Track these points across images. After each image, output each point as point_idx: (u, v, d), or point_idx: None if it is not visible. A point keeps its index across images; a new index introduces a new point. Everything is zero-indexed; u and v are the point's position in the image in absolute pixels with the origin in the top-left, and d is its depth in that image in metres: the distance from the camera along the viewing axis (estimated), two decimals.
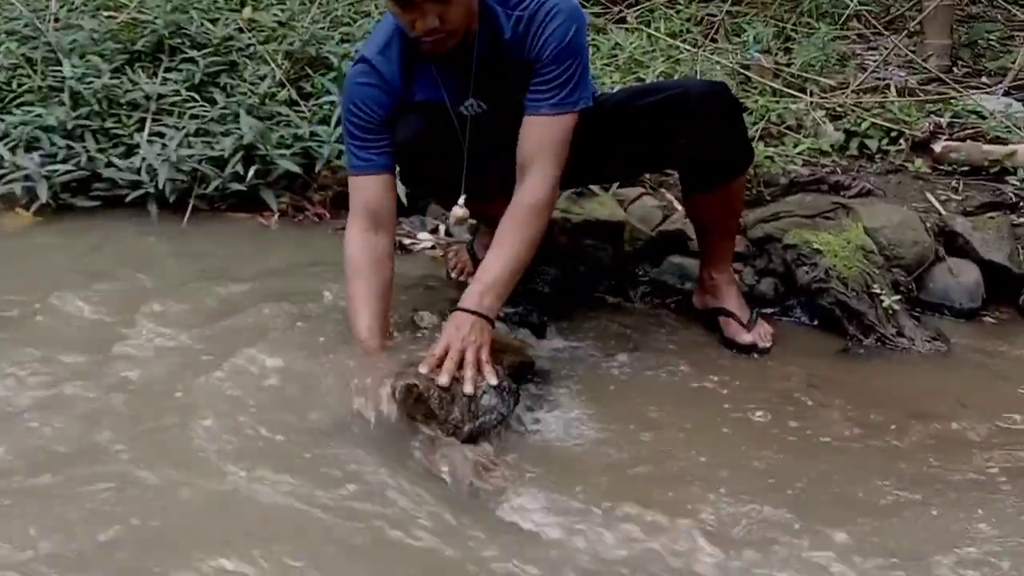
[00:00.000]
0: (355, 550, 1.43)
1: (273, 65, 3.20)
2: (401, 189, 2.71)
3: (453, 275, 2.38)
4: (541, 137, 1.89)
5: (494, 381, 1.75)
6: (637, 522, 1.53)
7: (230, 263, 2.48)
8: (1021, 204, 2.74)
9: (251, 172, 2.81)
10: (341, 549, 1.43)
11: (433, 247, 2.58)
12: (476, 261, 2.40)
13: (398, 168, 2.05)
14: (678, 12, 3.91)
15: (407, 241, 2.58)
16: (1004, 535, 1.59)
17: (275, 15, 3.54)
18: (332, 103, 3.04)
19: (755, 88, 3.33)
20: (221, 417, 1.74)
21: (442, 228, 2.71)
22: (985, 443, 1.91)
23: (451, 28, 1.86)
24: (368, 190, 1.97)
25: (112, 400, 1.83)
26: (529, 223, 1.90)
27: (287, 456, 1.66)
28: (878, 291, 2.36)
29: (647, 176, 2.94)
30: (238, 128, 2.90)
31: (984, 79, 3.70)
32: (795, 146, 2.99)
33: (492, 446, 1.69)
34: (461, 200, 2.03)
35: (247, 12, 3.57)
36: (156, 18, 3.31)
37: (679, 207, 2.78)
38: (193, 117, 3.01)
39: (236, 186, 2.82)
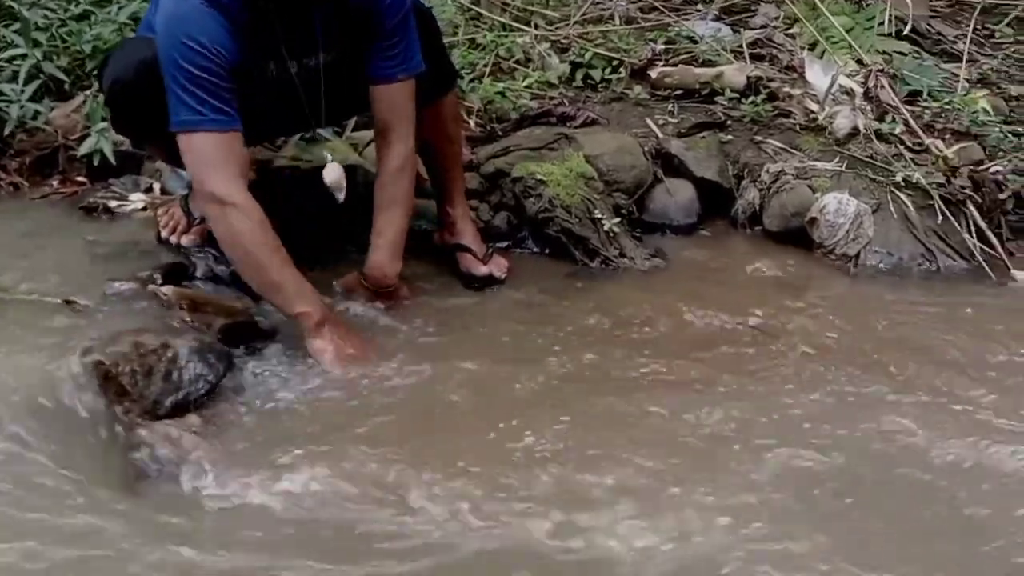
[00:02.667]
0: None
1: None
2: (108, 146, 2.51)
3: (164, 234, 2.22)
4: (394, 103, 2.04)
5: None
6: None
7: None
8: (728, 123, 2.92)
9: None
10: None
11: (144, 208, 2.39)
12: (191, 218, 2.25)
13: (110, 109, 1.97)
14: None
15: (113, 204, 2.37)
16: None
17: None
18: (21, 57, 2.72)
19: (484, 23, 3.33)
20: None
21: (156, 187, 2.51)
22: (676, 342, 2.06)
23: None
24: (235, 149, 1.84)
25: None
26: (404, 180, 2.10)
27: None
28: (599, 216, 2.46)
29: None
30: None
31: (699, 6, 3.91)
32: (524, 80, 3.03)
33: (199, 417, 1.59)
34: (329, 157, 2.11)
35: None
36: None
37: None
38: None
39: None
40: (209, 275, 2.06)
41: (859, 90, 2.90)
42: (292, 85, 2.02)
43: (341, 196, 2.23)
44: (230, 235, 1.85)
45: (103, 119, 2.51)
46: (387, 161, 2.08)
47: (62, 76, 2.72)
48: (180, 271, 2.05)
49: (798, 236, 2.60)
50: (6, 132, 2.59)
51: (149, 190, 2.49)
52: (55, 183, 2.58)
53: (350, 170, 2.65)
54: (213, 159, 1.82)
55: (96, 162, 2.49)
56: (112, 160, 2.50)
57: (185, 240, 2.18)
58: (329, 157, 2.08)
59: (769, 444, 1.67)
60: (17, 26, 2.80)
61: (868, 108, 2.86)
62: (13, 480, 1.47)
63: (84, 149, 2.50)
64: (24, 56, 2.73)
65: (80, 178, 2.55)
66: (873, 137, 2.76)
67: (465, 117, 2.85)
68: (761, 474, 1.59)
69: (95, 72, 2.50)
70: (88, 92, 2.68)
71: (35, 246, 2.19)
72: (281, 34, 1.94)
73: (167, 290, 1.82)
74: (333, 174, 2.16)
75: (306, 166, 2.60)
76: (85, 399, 1.58)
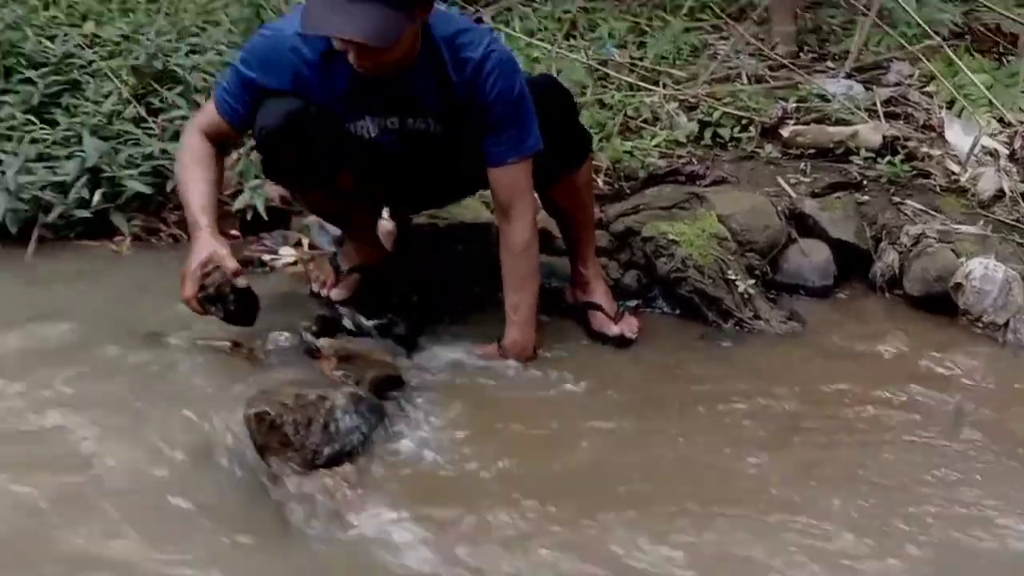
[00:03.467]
0: None
1: (118, 82, 3.06)
2: (261, 202, 2.66)
3: (315, 288, 2.33)
4: (512, 184, 2.09)
5: None
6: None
7: (76, 296, 2.35)
8: (865, 183, 2.88)
9: (97, 196, 2.68)
10: None
11: (295, 263, 2.52)
12: (339, 273, 2.36)
13: (261, 156, 2.14)
14: (535, 10, 3.94)
15: (267, 257, 2.51)
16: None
17: (119, 28, 3.39)
18: (183, 118, 2.93)
19: (612, 83, 3.39)
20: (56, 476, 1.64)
21: (305, 242, 2.65)
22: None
23: (385, 65, 1.89)
24: (223, 126, 2.07)
25: None
26: (529, 257, 2.18)
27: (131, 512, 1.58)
28: (733, 276, 2.45)
29: None
30: (82, 151, 2.76)
31: (829, 63, 3.88)
32: (652, 139, 3.06)
33: (354, 467, 1.66)
34: (386, 213, 2.16)
35: (88, 27, 3.40)
36: None
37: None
38: (33, 141, 2.84)
39: (82, 212, 2.69)
40: (356, 328, 2.14)
41: (1004, 151, 2.81)
42: (382, 142, 2.08)
43: (388, 247, 2.29)
44: (176, 155, 2.16)
45: (256, 176, 2.67)
46: (512, 237, 2.14)
47: None
48: (331, 324, 2.14)
49: (941, 302, 2.52)
50: (169, 188, 2.77)
51: (298, 244, 2.63)
52: None
53: (482, 228, 2.75)
54: (203, 116, 2.14)
55: (249, 217, 2.64)
56: (264, 215, 2.65)
57: (334, 294, 2.28)
58: (386, 215, 2.18)
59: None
60: (180, 89, 3.02)
61: (1013, 170, 2.77)
62: (176, 522, 1.56)
63: (238, 204, 2.66)
64: (184, 117, 2.93)
65: (234, 232, 2.69)
66: (1020, 200, 2.67)
67: (593, 175, 2.89)
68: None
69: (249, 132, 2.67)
70: (242, 150, 2.85)
71: None
72: (374, 88, 1.98)
73: (324, 342, 1.91)
74: (383, 229, 2.19)
75: (443, 224, 2.70)
76: (247, 448, 1.66)
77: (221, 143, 2.11)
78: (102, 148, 2.75)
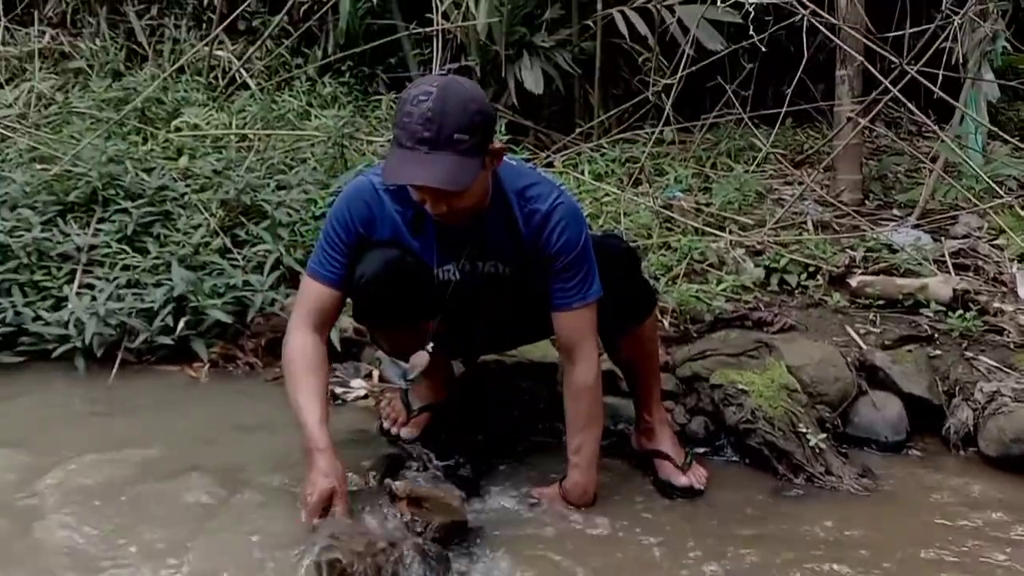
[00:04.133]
0: None
1: (207, 214, 3.23)
2: (335, 335, 2.75)
3: (386, 425, 2.37)
4: (576, 327, 2.13)
5: None
6: None
7: (154, 423, 2.42)
8: (936, 336, 2.85)
9: (181, 324, 2.80)
10: None
11: (365, 396, 2.57)
12: (410, 411, 2.40)
13: (355, 300, 2.15)
14: (603, 155, 4.08)
15: (339, 390, 2.57)
16: None
17: (211, 163, 3.60)
18: (267, 250, 3.07)
19: (678, 227, 3.46)
20: None
21: (375, 374, 2.70)
22: None
23: (460, 212, 1.98)
24: (325, 297, 2.09)
25: None
26: (593, 399, 2.19)
27: None
28: (804, 430, 2.41)
29: None
30: (170, 279, 2.90)
31: (895, 211, 3.91)
32: (718, 283, 3.10)
33: None
34: (430, 347, 2.18)
35: (183, 162, 3.63)
36: (90, 170, 3.34)
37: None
38: (125, 268, 3.00)
39: (165, 339, 2.80)
40: (424, 469, 2.16)
41: None
42: (455, 285, 2.14)
43: (412, 374, 2.24)
44: (284, 353, 2.10)
45: None
46: (575, 379, 2.16)
47: (298, 268, 3.03)
48: (398, 463, 2.16)
49: (1019, 463, 2.44)
50: (249, 318, 2.88)
51: (368, 377, 2.68)
52: None
53: (548, 367, 2.78)
54: (303, 298, 2.13)
55: None
56: (338, 347, 2.72)
57: (404, 432, 2.32)
58: (431, 348, 2.18)
59: None
60: (266, 223, 3.17)
61: None
62: None
63: None
64: (268, 250, 3.07)
65: None
66: None
67: (659, 317, 2.93)
68: None
69: None
70: None
71: (268, 429, 2.38)
72: (455, 235, 2.07)
73: (399, 485, 1.92)
74: (418, 359, 2.20)
75: (511, 362, 2.74)
76: None
77: (328, 325, 2.14)
78: (188, 278, 2.89)
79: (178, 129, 4.02)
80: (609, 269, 2.16)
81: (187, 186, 3.42)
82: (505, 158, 2.04)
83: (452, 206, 1.95)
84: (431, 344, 2.19)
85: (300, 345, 2.06)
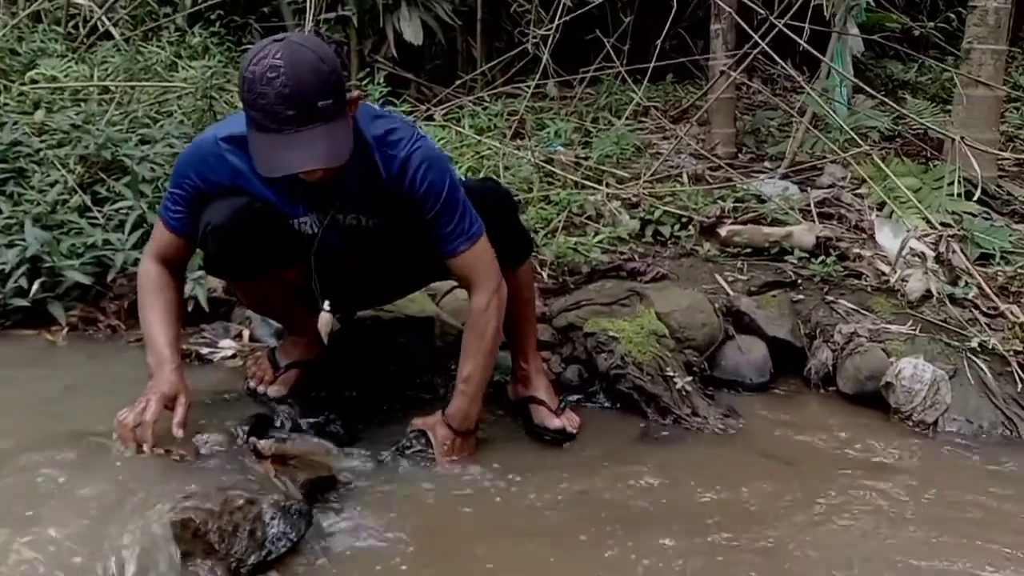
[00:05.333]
0: None
1: (64, 171, 3.06)
2: (203, 293, 2.66)
3: (252, 384, 2.30)
4: (468, 265, 2.12)
5: None
6: None
7: (6, 388, 2.29)
8: (799, 282, 2.96)
9: (36, 286, 2.65)
10: None
11: (233, 356, 2.49)
12: (277, 369, 2.34)
13: (205, 251, 2.10)
14: (484, 109, 4.05)
15: (205, 351, 2.49)
16: None
17: (70, 117, 3.41)
18: (129, 207, 2.93)
19: (558, 181, 3.48)
20: None
21: (246, 334, 2.63)
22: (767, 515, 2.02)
23: (336, 172, 1.93)
24: (172, 242, 2.09)
25: None
26: (486, 327, 2.15)
27: None
28: (671, 373, 2.48)
29: None
30: (23, 240, 2.74)
31: (766, 164, 4.03)
32: (595, 235, 3.13)
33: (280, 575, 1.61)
34: (326, 305, 2.14)
35: (39, 116, 3.42)
36: None
37: None
38: None
39: (19, 301, 2.65)
40: (292, 427, 2.12)
41: (930, 253, 2.92)
42: (325, 238, 2.10)
43: (324, 340, 2.23)
44: (138, 288, 2.13)
45: (199, 267, 2.66)
46: (473, 306, 2.16)
47: None
48: (265, 422, 2.11)
49: (873, 399, 2.57)
50: (109, 278, 2.75)
51: (239, 336, 2.61)
52: None
53: (427, 322, 2.76)
54: (154, 238, 2.13)
55: (190, 308, 2.62)
56: (206, 307, 2.64)
57: (272, 391, 2.26)
58: (327, 307, 2.17)
59: None
60: (127, 179, 3.03)
61: (940, 271, 2.87)
62: None
63: None
64: (131, 207, 2.93)
65: None
66: (947, 301, 2.77)
67: (538, 269, 2.95)
68: None
69: None
70: None
71: (129, 391, 2.28)
72: (309, 186, 2.01)
73: (264, 444, 1.88)
74: (322, 321, 2.19)
75: (387, 317, 2.71)
76: (170, 554, 1.60)
77: (178, 264, 2.12)
78: (43, 237, 2.73)
79: (34, 81, 3.78)
80: (486, 213, 2.15)
81: (43, 142, 3.23)
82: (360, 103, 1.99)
83: (330, 171, 1.90)
84: (327, 303, 2.15)
85: (146, 271, 2.08)
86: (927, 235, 3.05)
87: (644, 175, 3.54)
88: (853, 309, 2.81)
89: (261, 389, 2.27)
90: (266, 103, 1.77)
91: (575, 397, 2.55)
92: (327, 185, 1.99)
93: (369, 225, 2.10)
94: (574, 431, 2.37)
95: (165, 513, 1.58)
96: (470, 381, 2.17)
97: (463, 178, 2.77)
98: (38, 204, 2.91)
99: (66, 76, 3.85)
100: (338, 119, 1.83)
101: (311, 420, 2.17)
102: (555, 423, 2.36)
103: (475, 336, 2.16)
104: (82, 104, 3.60)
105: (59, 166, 3.08)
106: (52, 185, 3.01)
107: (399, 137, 2.02)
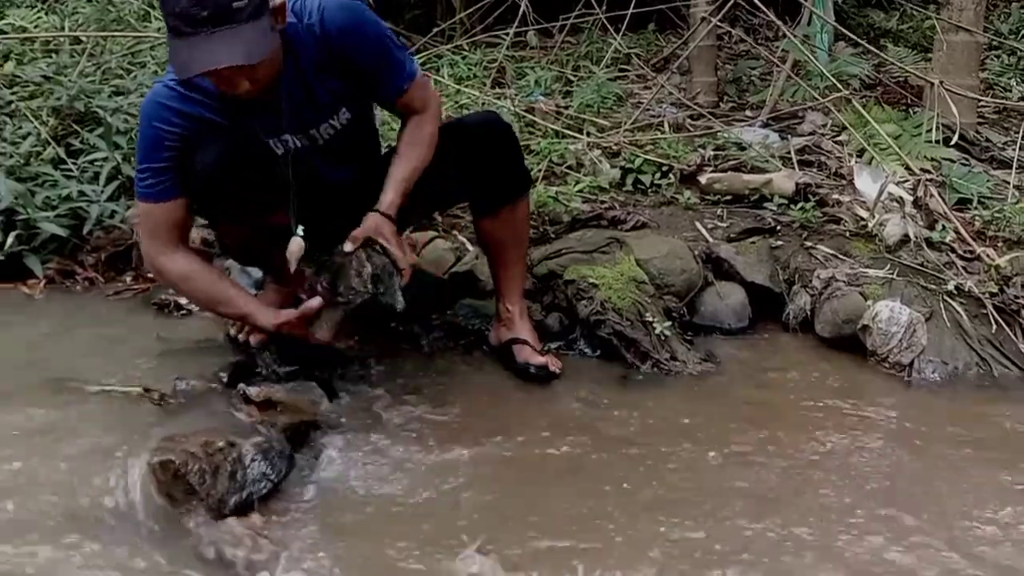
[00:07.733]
0: None
1: (36, 123, 3.02)
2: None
3: (232, 332, 2.30)
4: (415, 99, 2.11)
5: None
6: None
7: None
8: (779, 228, 2.97)
9: (10, 238, 2.63)
10: None
11: None
12: None
13: (197, 196, 2.05)
14: (464, 58, 4.01)
15: (184, 300, 2.48)
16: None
17: (41, 69, 3.35)
18: (104, 159, 2.90)
19: (538, 130, 3.46)
20: None
21: None
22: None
23: (264, 83, 1.90)
24: (170, 212, 2.04)
25: None
26: (430, 142, 2.12)
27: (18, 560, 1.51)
28: (650, 319, 2.49)
29: (438, 219, 2.98)
30: None
31: (747, 112, 4.02)
32: (576, 184, 3.13)
33: (262, 517, 1.63)
34: (300, 230, 2.08)
35: (9, 67, 3.37)
36: None
37: (471, 248, 2.84)
38: None
39: None
40: (271, 374, 2.12)
41: (908, 198, 2.93)
42: (292, 162, 2.08)
43: (292, 266, 2.13)
44: (171, 282, 2.14)
45: None
46: (420, 125, 2.12)
47: None
48: (245, 370, 2.12)
49: (850, 342, 2.60)
50: (85, 230, 2.73)
51: None
52: (128, 279, 2.71)
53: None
54: (149, 224, 2.07)
55: None
56: None
57: (252, 339, 2.26)
58: (301, 231, 2.08)
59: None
60: (101, 130, 2.99)
61: (918, 216, 2.89)
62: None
63: None
64: (105, 159, 2.90)
65: (152, 275, 2.66)
66: (924, 245, 2.78)
67: None
68: None
69: None
70: None
71: (109, 341, 2.29)
72: (279, 108, 2.00)
73: (252, 390, 1.89)
74: (293, 246, 2.10)
75: None
76: (151, 497, 1.62)
77: (182, 232, 2.09)
78: (16, 189, 2.71)
79: (2, 32, 3.71)
80: (486, 144, 2.14)
81: (14, 94, 3.19)
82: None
83: (255, 80, 1.87)
84: (301, 228, 2.09)
85: (174, 264, 2.06)
86: (905, 181, 3.05)
87: (625, 124, 3.52)
88: (831, 254, 2.82)
89: (242, 337, 2.27)
90: (181, 7, 1.75)
91: (556, 344, 2.57)
92: (265, 98, 1.96)
93: (343, 122, 2.08)
94: (557, 371, 2.38)
95: (146, 455, 1.59)
96: (394, 176, 2.09)
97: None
98: (11, 156, 2.88)
99: (36, 27, 3.79)
100: (256, 20, 1.80)
101: (292, 368, 2.17)
102: (539, 359, 2.37)
103: (406, 140, 2.11)
104: (53, 55, 3.54)
105: (31, 118, 3.04)
106: (25, 137, 2.98)
107: (306, 1, 1.99)
